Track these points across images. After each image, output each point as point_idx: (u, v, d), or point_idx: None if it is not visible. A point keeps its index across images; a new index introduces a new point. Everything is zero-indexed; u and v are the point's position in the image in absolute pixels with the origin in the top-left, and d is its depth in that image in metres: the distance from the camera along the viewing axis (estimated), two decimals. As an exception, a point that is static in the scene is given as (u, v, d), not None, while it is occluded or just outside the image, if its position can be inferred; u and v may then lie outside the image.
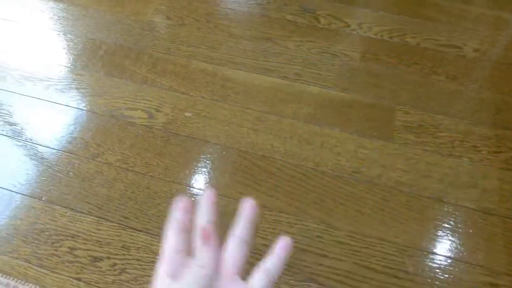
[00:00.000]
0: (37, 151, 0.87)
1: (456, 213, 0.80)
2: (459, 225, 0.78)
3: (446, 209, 0.80)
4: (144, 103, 0.95)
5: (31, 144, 0.88)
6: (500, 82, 1.01)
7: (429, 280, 0.71)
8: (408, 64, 1.05)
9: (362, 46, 1.09)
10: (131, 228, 0.77)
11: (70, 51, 1.07)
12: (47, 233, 0.77)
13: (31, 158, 0.86)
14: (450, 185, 0.83)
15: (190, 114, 0.93)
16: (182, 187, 0.82)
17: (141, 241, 0.76)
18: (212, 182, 0.83)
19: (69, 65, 1.03)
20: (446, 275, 0.72)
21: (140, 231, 0.77)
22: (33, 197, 0.81)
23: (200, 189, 0.82)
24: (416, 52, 1.08)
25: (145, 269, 0.73)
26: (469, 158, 0.87)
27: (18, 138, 0.89)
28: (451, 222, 0.78)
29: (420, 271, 0.72)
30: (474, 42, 1.10)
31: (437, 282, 0.71)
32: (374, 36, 1.11)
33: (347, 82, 1.00)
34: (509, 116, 0.94)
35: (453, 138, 0.91)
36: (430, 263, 0.73)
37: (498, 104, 0.97)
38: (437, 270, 0.73)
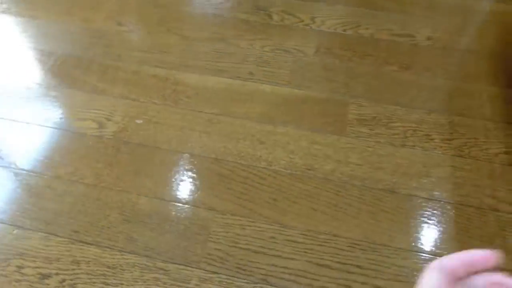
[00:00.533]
0: (-16, 169, 0.85)
1: (409, 203, 0.79)
2: (411, 215, 0.78)
3: (398, 200, 0.80)
4: (95, 113, 0.93)
5: (-22, 162, 0.86)
6: (453, 69, 1.01)
7: (382, 273, 0.71)
8: (361, 56, 1.04)
9: (316, 40, 1.08)
10: (81, 242, 0.76)
11: (18, 63, 1.04)
12: (-7, 253, 0.75)
13: (-23, 177, 0.84)
14: (403, 176, 0.83)
15: (141, 121, 0.92)
16: (133, 196, 0.81)
17: (92, 255, 0.74)
18: (164, 188, 0.82)
19: (17, 77, 1.01)
20: (400, 267, 0.72)
21: (91, 244, 0.75)
22: (-20, 217, 0.79)
23: (150, 196, 0.81)
24: (370, 43, 1.07)
25: (95, 283, 0.71)
26: (422, 147, 0.87)
27: (-36, 157, 0.87)
28: (404, 213, 0.78)
29: (372, 264, 0.72)
30: (427, 30, 1.10)
31: (390, 274, 0.71)
32: (328, 30, 1.11)
33: (300, 78, 0.99)
34: (462, 103, 0.94)
35: (406, 128, 0.90)
36: (382, 256, 0.73)
37: (451, 91, 0.97)
38: (390, 262, 0.72)
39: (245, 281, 0.71)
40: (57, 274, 0.72)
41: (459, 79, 0.99)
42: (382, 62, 1.03)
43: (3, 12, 1.18)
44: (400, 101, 0.95)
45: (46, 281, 0.71)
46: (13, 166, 0.85)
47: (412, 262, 0.72)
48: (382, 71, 1.01)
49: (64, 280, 0.72)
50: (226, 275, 0.70)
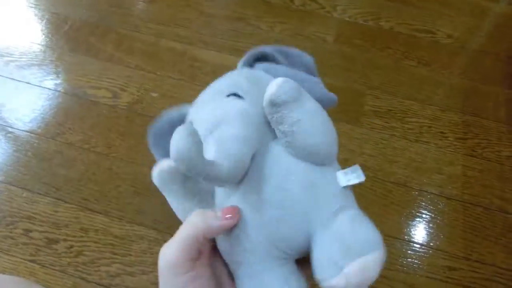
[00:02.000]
0: (-6, 129, 0.84)
1: (420, 198, 0.80)
2: (421, 210, 0.78)
3: (410, 194, 0.80)
4: (109, 82, 0.92)
5: (-12, 122, 0.85)
6: (471, 69, 1.01)
7: (389, 265, 0.72)
8: (381, 48, 1.03)
9: (336, 29, 1.07)
10: (89, 210, 0.75)
11: (33, 25, 1.02)
12: (1, 214, 0.74)
13: (-13, 137, 0.83)
14: (415, 171, 0.83)
15: (157, 94, 0.91)
16: (145, 168, 0.80)
17: (100, 224, 0.74)
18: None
19: (31, 40, 0.99)
20: (407, 260, 0.72)
21: (99, 213, 0.75)
22: (-12, 177, 0.78)
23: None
24: (390, 36, 1.06)
25: (103, 251, 0.71)
26: (435, 144, 0.87)
27: (-25, 115, 0.86)
28: (414, 207, 0.79)
29: (380, 255, 0.73)
30: (448, 28, 1.09)
31: (397, 267, 0.72)
32: (349, 19, 1.09)
33: (319, 64, 0.98)
34: (477, 103, 0.94)
35: (421, 124, 0.90)
36: (391, 248, 0.73)
37: (467, 91, 0.97)
38: (398, 255, 0.73)
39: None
40: (64, 240, 0.72)
41: (476, 80, 0.99)
42: (401, 56, 1.02)
43: (19, -29, 1.15)
44: (416, 96, 0.95)
45: (54, 246, 0.71)
46: (24, 128, 0.84)
47: (419, 255, 0.73)
48: (400, 65, 1.00)
49: (71, 246, 0.71)
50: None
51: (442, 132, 0.89)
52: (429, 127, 0.90)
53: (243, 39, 1.02)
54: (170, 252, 0.30)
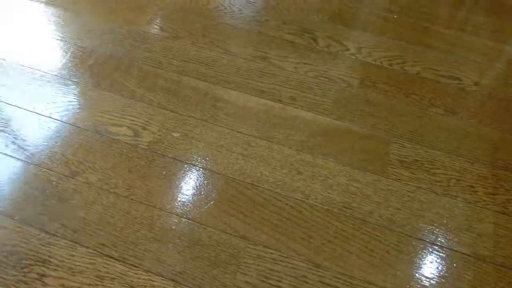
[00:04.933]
0: (14, 164, 0.83)
1: (449, 257, 0.76)
2: (450, 271, 0.75)
3: (438, 252, 0.77)
4: (131, 120, 0.91)
5: (7, 156, 0.84)
6: (500, 119, 0.99)
7: (416, 330, 0.68)
8: (406, 94, 1.02)
9: (361, 72, 1.06)
10: (107, 255, 0.73)
11: (58, 58, 1.03)
12: (16, 256, 0.72)
13: (6, 172, 0.82)
14: (443, 227, 0.80)
15: (178, 135, 0.90)
16: (164, 213, 0.78)
17: (117, 271, 0.71)
18: (196, 210, 0.79)
19: (55, 73, 0.99)
20: (435, 326, 0.69)
21: (117, 260, 0.73)
22: (6, 216, 0.76)
23: (181, 216, 0.78)
24: (416, 81, 1.05)
25: (118, 302, 0.69)
26: (464, 199, 0.84)
27: (-5, 149, 0.85)
28: (443, 267, 0.75)
29: (407, 319, 0.69)
30: (474, 75, 1.07)
31: (425, 333, 0.68)
32: (374, 62, 1.08)
33: (343, 109, 0.97)
34: (507, 156, 0.92)
35: (449, 176, 0.87)
36: (418, 312, 0.70)
37: (497, 142, 0.94)
38: (426, 320, 0.69)
39: (274, 320, 0.68)
40: None
41: (506, 130, 0.96)
42: (427, 103, 1.00)
43: (48, 3, 1.16)
44: (443, 146, 0.92)
45: (68, 294, 0.69)
46: (43, 166, 0.83)
47: (449, 322, 0.69)
48: (426, 113, 0.98)
49: (86, 295, 0.69)
50: (255, 312, 0.68)
51: (471, 186, 0.86)
52: (457, 180, 0.87)
53: (266, 80, 1.01)
54: None
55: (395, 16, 1.21)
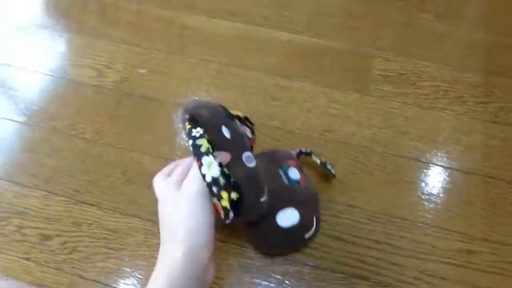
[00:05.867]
0: (-23, 119, 0.79)
1: (435, 173, 0.73)
2: (436, 188, 0.72)
3: (423, 169, 0.73)
4: (93, 59, 0.85)
5: (-30, 111, 0.80)
6: (496, 22, 0.89)
7: (400, 249, 0.67)
8: (392, 0, 0.92)
9: (341, -19, 0.96)
10: (82, 202, 0.72)
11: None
12: (-10, 211, 0.71)
13: (-30, 127, 0.79)
14: (430, 142, 0.76)
15: (145, 71, 0.84)
16: (136, 154, 0.75)
17: (93, 216, 0.70)
18: (169, 147, 0.76)
19: (7, 14, 0.92)
20: (420, 243, 0.67)
21: (92, 205, 0.71)
22: (-26, 172, 0.74)
23: (154, 156, 0.75)
24: (402, -15, 0.94)
25: (97, 246, 0.68)
26: (452, 111, 0.79)
27: (-45, 104, 0.81)
28: (428, 185, 0.72)
29: (391, 239, 0.67)
30: (469, -28, 0.96)
31: (410, 252, 0.67)
32: (355, -32, 0.97)
33: (321, 25, 0.89)
34: (502, 61, 0.84)
35: (436, 88, 0.81)
36: (402, 232, 0.68)
37: (491, 47, 0.86)
38: (410, 238, 0.68)
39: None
40: (58, 235, 0.69)
41: (501, 34, 0.88)
42: (414, 9, 0.91)
43: None
44: (432, 56, 0.85)
45: (48, 242, 0.68)
46: (6, 117, 0.79)
47: (433, 238, 0.67)
48: (414, 20, 0.89)
49: (65, 242, 0.68)
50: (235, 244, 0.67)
51: (460, 97, 0.81)
52: (446, 91, 0.81)
53: (236, 0, 0.93)
54: None
55: None
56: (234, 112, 0.53)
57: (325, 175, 0.70)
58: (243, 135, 0.49)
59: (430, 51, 0.85)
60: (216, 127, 0.47)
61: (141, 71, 0.83)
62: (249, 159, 0.46)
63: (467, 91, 0.81)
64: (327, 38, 0.87)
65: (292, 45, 0.86)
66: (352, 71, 0.83)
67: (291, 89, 0.81)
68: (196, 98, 0.51)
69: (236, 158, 0.45)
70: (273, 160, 0.63)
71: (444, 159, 0.74)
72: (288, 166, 0.61)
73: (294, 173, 0.61)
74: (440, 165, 0.74)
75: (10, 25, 0.90)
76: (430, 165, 0.74)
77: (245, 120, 0.56)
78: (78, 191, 0.73)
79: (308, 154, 0.68)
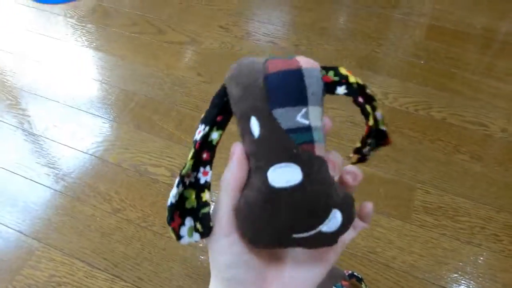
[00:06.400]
0: (62, 200, 0.91)
1: (472, 307, 0.78)
2: (473, 321, 0.76)
3: (461, 301, 0.78)
4: (169, 161, 0.98)
5: (56, 192, 0.92)
6: (526, 166, 1.00)
7: None
8: (432, 140, 1.05)
9: (387, 117, 1.10)
10: (143, 290, 0.79)
11: (103, 100, 1.12)
12: (63, 287, 0.79)
13: (55, 207, 0.90)
14: (467, 275, 0.81)
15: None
16: (197, 251, 0.84)
17: (152, 305, 0.77)
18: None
19: (100, 114, 1.08)
20: None
21: (152, 294, 0.78)
22: (54, 248, 0.84)
23: (214, 255, 0.83)
24: (441, 127, 1.08)
25: (153, 336, 0.74)
26: (488, 248, 0.86)
27: (44, 185, 0.93)
28: (466, 317, 0.77)
29: None
30: (501, 122, 1.09)
31: None
32: (400, 108, 1.12)
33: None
34: (533, 205, 0.92)
35: (473, 224, 0.89)
36: None
37: (522, 191, 0.95)
38: None
39: None
40: (118, 319, 0.75)
41: (532, 179, 0.97)
42: (452, 150, 1.03)
43: (96, 48, 1.27)
44: (468, 194, 0.94)
45: (108, 325, 0.75)
46: (89, 202, 0.91)
47: None
48: (452, 159, 1.01)
49: (124, 328, 0.74)
50: None
51: (495, 235, 0.88)
52: (482, 228, 0.89)
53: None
54: (215, 216, 0.30)
55: (422, 62, 1.25)
56: (337, 73, 0.31)
57: (369, 295, 0.76)
58: (288, 140, 0.28)
59: (466, 189, 0.95)
60: (243, 117, 0.29)
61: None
62: (279, 176, 0.27)
63: (502, 231, 0.88)
64: (373, 166, 0.99)
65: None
66: (395, 199, 0.93)
67: (340, 208, 0.90)
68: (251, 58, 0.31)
69: (258, 170, 0.28)
70: (330, 275, 0.70)
71: (481, 294, 0.79)
72: (342, 286, 0.68)
73: None
74: (477, 300, 0.78)
75: (99, 123, 1.06)
76: (468, 298, 0.79)
77: (356, 91, 0.32)
78: (141, 279, 0.80)
79: (359, 280, 0.75)
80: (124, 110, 1.10)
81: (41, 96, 1.13)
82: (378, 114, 0.33)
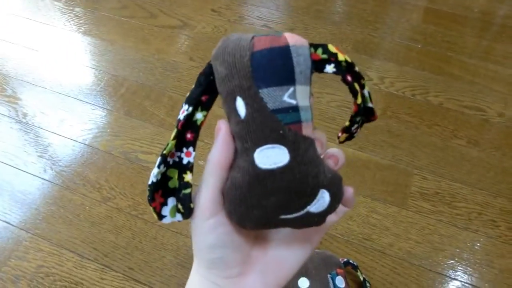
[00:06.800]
0: (51, 189, 0.89)
1: (469, 293, 0.77)
2: (470, 308, 0.75)
3: (458, 287, 0.77)
4: (160, 148, 0.96)
5: (45, 181, 0.90)
6: (524, 151, 0.98)
7: None
8: (429, 125, 1.03)
9: (383, 102, 1.08)
10: (134, 280, 0.77)
11: (93, 86, 1.09)
12: (52, 278, 0.77)
13: (43, 196, 0.87)
14: (464, 262, 0.80)
15: (203, 163, 0.93)
16: (189, 240, 0.82)
17: (143, 295, 0.75)
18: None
19: (90, 100, 1.05)
20: None
21: (144, 284, 0.77)
22: (43, 238, 0.82)
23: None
24: (438, 112, 1.06)
25: (145, 326, 0.72)
26: (485, 233, 0.84)
27: (32, 173, 0.91)
28: (463, 304, 0.76)
29: None
30: (499, 106, 1.07)
31: None
32: (396, 93, 1.10)
33: (365, 140, 0.99)
34: (531, 190, 0.91)
35: (470, 210, 0.88)
36: None
37: (520, 176, 0.94)
38: None
39: None
40: (109, 310, 0.74)
41: (530, 164, 0.96)
42: (449, 135, 1.01)
43: (85, 33, 1.24)
44: (465, 179, 0.93)
45: (98, 316, 0.73)
46: (78, 191, 0.88)
47: None
48: (449, 144, 0.99)
49: (115, 318, 0.73)
50: None
51: (493, 220, 0.86)
52: (479, 213, 0.87)
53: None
54: (199, 196, 0.30)
55: (419, 46, 1.22)
56: (325, 51, 0.29)
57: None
58: (275, 120, 0.27)
59: (463, 174, 0.93)
60: (228, 97, 0.28)
61: (201, 163, 0.93)
62: (266, 158, 0.27)
63: (499, 216, 0.87)
64: (369, 151, 0.97)
65: (338, 155, 0.96)
66: (391, 185, 0.91)
67: (335, 195, 0.89)
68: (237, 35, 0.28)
69: (244, 152, 0.28)
70: (325, 262, 0.68)
71: (478, 280, 0.78)
72: (337, 274, 0.67)
73: (340, 282, 0.66)
74: (474, 285, 0.77)
75: (88, 109, 1.03)
76: (466, 284, 0.77)
77: (344, 69, 0.30)
78: (132, 269, 0.78)
79: (355, 267, 0.74)
80: (114, 96, 1.07)
81: (28, 82, 1.09)
82: (366, 91, 0.33)
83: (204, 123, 0.31)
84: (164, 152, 0.30)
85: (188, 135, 0.31)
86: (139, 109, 1.04)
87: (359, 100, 0.33)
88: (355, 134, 0.37)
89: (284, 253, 0.33)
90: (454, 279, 0.78)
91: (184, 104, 0.30)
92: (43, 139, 0.98)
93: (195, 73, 1.13)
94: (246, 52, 0.27)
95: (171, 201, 0.31)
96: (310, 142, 0.28)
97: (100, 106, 1.04)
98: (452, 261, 0.80)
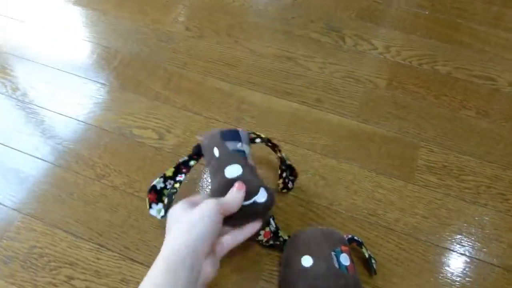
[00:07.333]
0: (43, 167, 0.85)
1: (476, 268, 0.74)
2: (478, 282, 0.72)
3: (465, 263, 0.75)
4: (156, 122, 0.92)
5: (37, 159, 0.86)
6: (536, 122, 0.94)
7: None
8: (436, 95, 0.98)
9: (389, 72, 1.03)
10: (131, 259, 0.74)
11: (84, 59, 1.04)
12: (46, 258, 0.74)
13: (36, 175, 0.84)
14: (471, 236, 0.77)
15: (202, 138, 0.89)
16: (188, 218, 0.79)
17: (141, 275, 0.73)
18: (219, 215, 0.79)
19: (82, 74, 1.01)
20: None
21: (141, 263, 0.74)
22: (35, 218, 0.79)
23: (206, 221, 0.78)
24: (447, 82, 1.01)
25: (143, 306, 0.70)
26: (494, 207, 0.81)
27: (23, 151, 0.87)
28: (470, 278, 0.73)
29: (432, 333, 0.68)
30: (510, 75, 1.02)
31: None
32: (403, 62, 1.05)
33: (370, 112, 0.95)
34: (543, 162, 0.87)
35: (478, 183, 0.84)
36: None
37: (531, 147, 0.90)
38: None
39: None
40: (105, 290, 0.71)
41: (542, 135, 0.92)
42: (458, 105, 0.96)
43: (75, 3, 1.17)
44: (474, 151, 0.89)
45: (95, 296, 0.71)
46: (71, 169, 0.85)
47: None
48: (457, 115, 0.95)
49: (112, 299, 0.70)
50: (276, 320, 0.68)
51: (502, 194, 0.83)
52: (488, 187, 0.84)
53: (292, 81, 1.00)
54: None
55: (427, 13, 1.16)
56: (256, 134, 0.70)
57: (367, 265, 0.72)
58: (233, 154, 0.62)
59: (472, 147, 0.89)
60: (210, 149, 0.64)
61: (199, 137, 0.89)
62: (231, 172, 0.59)
63: (509, 189, 0.84)
64: (374, 124, 0.93)
65: (342, 128, 0.92)
66: (397, 158, 0.87)
67: (339, 170, 0.85)
68: (213, 131, 0.67)
69: (219, 171, 0.60)
70: (328, 239, 0.66)
71: (486, 255, 0.75)
72: (341, 252, 0.64)
73: (345, 259, 0.63)
74: (482, 260, 0.75)
75: (79, 82, 0.99)
76: (473, 259, 0.75)
77: (266, 141, 0.72)
78: (128, 248, 0.76)
79: (360, 244, 0.71)
80: (106, 69, 1.02)
81: (16, 56, 1.04)
82: (283, 154, 0.74)
83: (194, 166, 0.71)
84: (166, 174, 0.71)
85: (184, 170, 0.71)
86: (133, 82, 0.99)
87: (280, 155, 0.73)
88: (291, 186, 0.79)
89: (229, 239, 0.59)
90: (462, 254, 0.75)
91: (181, 159, 0.71)
92: (33, 115, 0.93)
93: (191, 43, 1.08)
94: (218, 133, 0.65)
95: (161, 205, 0.70)
96: (251, 166, 0.62)
97: (92, 80, 1.00)
98: (459, 236, 0.78)
